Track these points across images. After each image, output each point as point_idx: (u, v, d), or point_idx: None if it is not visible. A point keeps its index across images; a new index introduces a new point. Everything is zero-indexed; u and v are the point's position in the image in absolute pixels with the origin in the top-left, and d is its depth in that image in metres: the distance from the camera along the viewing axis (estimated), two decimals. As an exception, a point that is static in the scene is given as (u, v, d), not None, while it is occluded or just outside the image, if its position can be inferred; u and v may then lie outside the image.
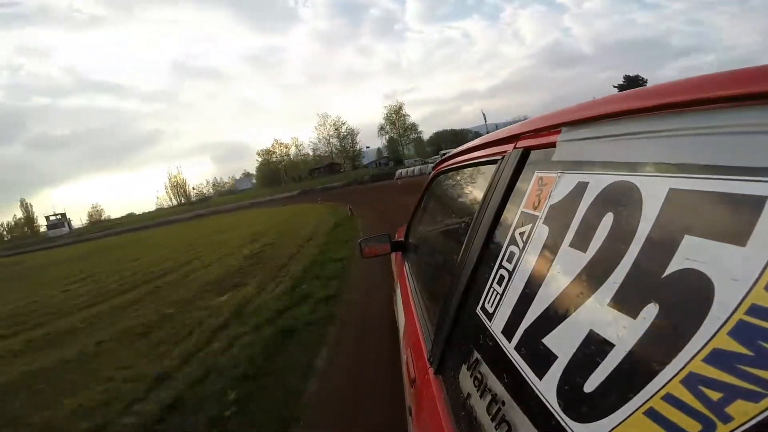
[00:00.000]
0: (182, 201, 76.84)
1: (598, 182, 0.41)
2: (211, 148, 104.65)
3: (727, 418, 0.23)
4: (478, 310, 0.60)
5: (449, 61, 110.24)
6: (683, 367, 0.26)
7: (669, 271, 0.29)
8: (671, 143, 0.34)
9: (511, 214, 0.59)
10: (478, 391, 0.54)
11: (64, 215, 75.68)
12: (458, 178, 1.19)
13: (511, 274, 0.53)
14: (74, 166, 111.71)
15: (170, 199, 78.26)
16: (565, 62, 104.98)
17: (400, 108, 63.59)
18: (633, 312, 0.31)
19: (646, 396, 0.28)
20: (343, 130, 65.84)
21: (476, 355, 0.58)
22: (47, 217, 74.98)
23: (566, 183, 0.47)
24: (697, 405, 0.25)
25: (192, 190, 79.28)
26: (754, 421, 0.22)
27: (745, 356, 0.23)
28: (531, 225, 0.52)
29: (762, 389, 0.22)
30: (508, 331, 0.49)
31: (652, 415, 0.27)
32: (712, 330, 0.25)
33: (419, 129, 63.92)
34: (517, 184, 0.60)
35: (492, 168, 0.73)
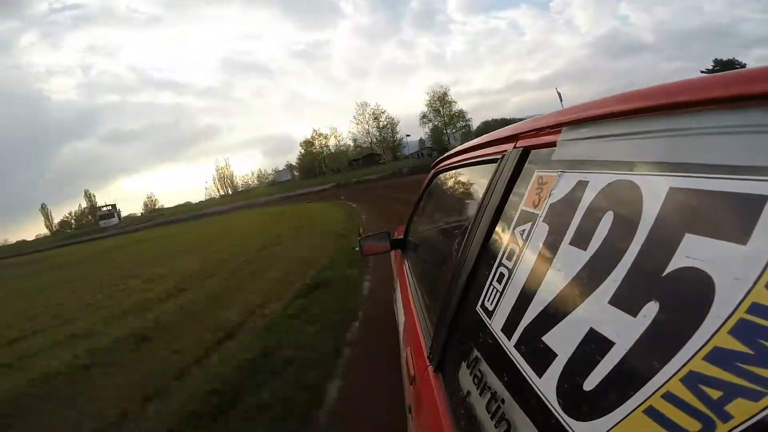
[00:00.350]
0: (228, 192, 78.07)
1: (598, 181, 0.41)
2: (262, 141, 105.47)
3: (727, 417, 0.23)
4: (478, 308, 0.60)
5: (496, 52, 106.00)
6: (683, 366, 0.26)
7: (669, 269, 0.29)
8: (671, 143, 0.34)
9: (511, 213, 0.59)
10: (477, 389, 0.54)
11: (114, 206, 78.32)
12: (458, 176, 1.19)
13: (510, 272, 0.53)
14: (137, 159, 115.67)
15: (217, 190, 79.99)
16: (625, 51, 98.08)
17: (445, 94, 58.09)
18: (633, 310, 0.31)
19: (646, 394, 0.28)
20: (382, 119, 61.79)
21: (476, 352, 0.58)
22: (99, 208, 77.71)
23: (566, 182, 0.47)
24: (697, 404, 0.25)
25: (239, 182, 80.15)
26: (753, 420, 0.22)
27: (745, 355, 0.23)
28: (531, 223, 0.52)
29: (762, 388, 0.22)
30: (508, 329, 0.49)
31: (652, 413, 0.27)
32: (713, 328, 0.25)
33: (468, 117, 57.76)
34: (517, 182, 0.60)
35: (492, 167, 0.73)
